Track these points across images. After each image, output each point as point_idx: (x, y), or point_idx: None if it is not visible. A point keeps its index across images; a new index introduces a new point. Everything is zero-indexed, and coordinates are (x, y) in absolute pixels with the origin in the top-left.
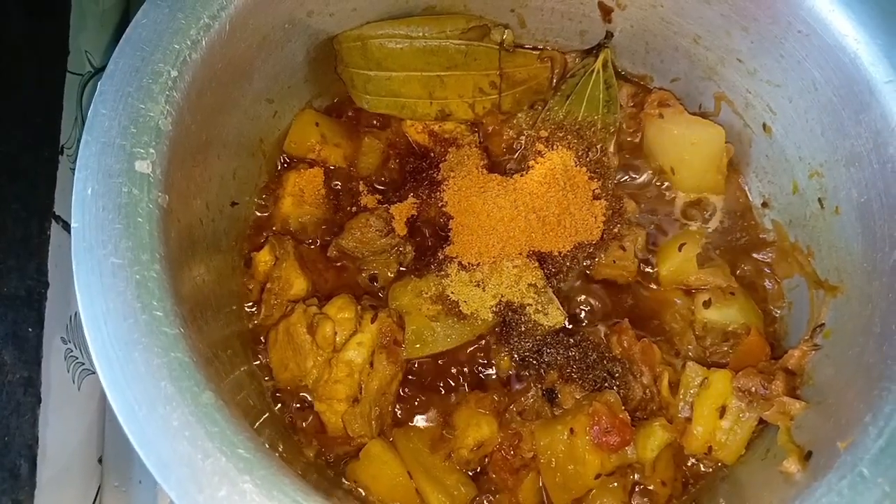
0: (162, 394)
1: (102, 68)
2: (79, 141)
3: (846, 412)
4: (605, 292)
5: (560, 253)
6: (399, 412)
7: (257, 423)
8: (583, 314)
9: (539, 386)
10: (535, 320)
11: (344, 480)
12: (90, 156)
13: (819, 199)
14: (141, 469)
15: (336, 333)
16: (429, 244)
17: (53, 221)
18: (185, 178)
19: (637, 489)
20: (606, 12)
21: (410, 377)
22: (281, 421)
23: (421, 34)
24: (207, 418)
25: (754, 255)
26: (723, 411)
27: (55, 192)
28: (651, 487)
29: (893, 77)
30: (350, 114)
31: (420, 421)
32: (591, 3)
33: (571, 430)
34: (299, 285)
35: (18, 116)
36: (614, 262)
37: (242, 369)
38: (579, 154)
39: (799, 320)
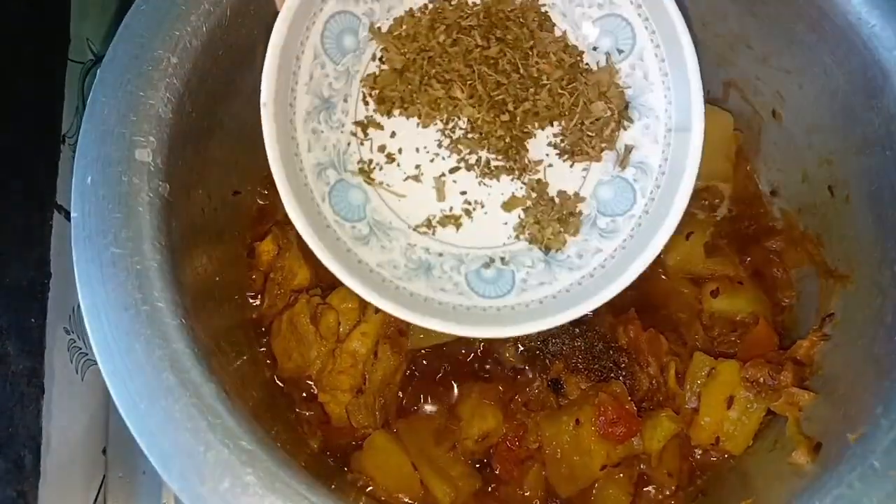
0: (163, 385)
1: (104, 56)
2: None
3: (856, 403)
4: None
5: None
6: (403, 403)
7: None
8: None
9: (544, 376)
10: None
11: (348, 472)
12: (89, 144)
13: (829, 187)
14: (145, 460)
15: (340, 323)
16: None
17: (55, 211)
18: (186, 167)
19: (643, 480)
20: None
21: (415, 367)
22: (284, 412)
23: None
24: (210, 410)
25: (763, 244)
26: (730, 402)
27: (57, 181)
28: (658, 478)
29: None
30: None
31: (424, 412)
32: None
33: (577, 421)
34: (303, 275)
35: (19, 105)
36: None
37: (245, 360)
38: None
39: (808, 310)
